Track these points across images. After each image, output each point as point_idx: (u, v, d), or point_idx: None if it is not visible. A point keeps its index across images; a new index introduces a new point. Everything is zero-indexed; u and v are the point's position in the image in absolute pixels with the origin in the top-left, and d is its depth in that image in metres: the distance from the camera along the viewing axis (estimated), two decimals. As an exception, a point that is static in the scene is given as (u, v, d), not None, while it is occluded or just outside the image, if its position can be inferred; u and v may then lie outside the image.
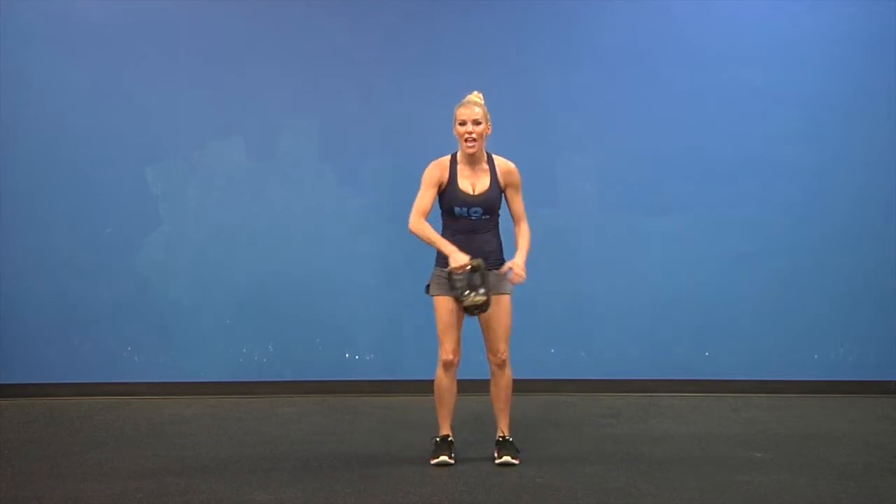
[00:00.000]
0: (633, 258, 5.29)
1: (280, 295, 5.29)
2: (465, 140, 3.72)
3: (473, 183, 3.77)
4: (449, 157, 3.83)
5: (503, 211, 3.86)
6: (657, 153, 5.27)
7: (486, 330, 3.80)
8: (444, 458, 3.77)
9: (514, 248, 3.82)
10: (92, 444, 4.19)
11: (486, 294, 3.64)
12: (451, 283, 3.69)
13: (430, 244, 3.75)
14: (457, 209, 3.76)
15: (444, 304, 3.78)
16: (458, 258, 3.62)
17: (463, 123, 3.71)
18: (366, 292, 5.29)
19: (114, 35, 5.25)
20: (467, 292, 3.64)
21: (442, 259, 3.80)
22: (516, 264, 3.74)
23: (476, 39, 5.29)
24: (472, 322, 3.84)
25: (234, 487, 3.50)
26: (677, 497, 3.36)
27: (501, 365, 3.81)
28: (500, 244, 3.84)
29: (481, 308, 3.67)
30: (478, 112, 3.71)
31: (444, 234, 3.81)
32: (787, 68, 5.24)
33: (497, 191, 3.78)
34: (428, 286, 3.84)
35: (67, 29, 5.24)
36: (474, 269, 3.64)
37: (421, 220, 3.76)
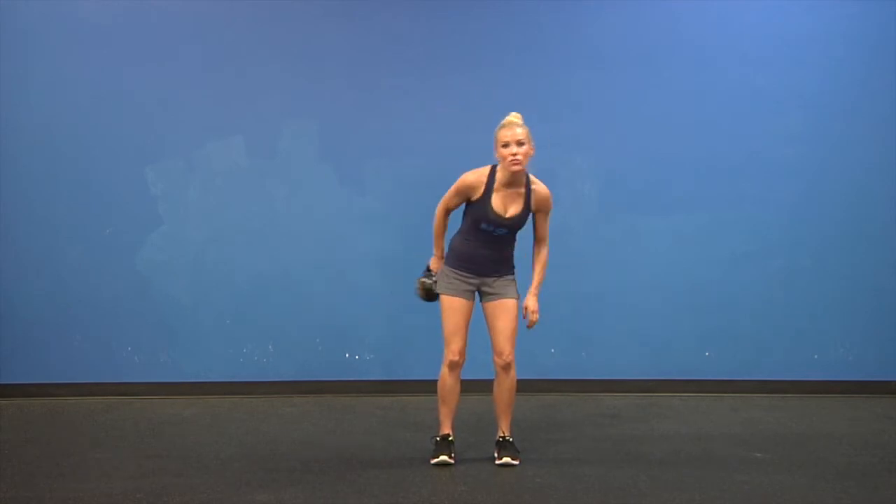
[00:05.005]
0: (633, 258, 5.29)
1: (280, 295, 5.29)
2: (511, 163, 3.64)
3: (507, 205, 3.73)
4: (489, 169, 3.75)
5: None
6: (657, 153, 5.28)
7: (492, 332, 3.82)
8: (444, 457, 3.77)
9: (531, 269, 3.88)
10: (92, 444, 4.19)
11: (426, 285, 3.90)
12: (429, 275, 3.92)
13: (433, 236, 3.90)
14: (483, 225, 3.74)
15: (452, 305, 3.79)
16: (435, 264, 3.91)
17: (506, 145, 3.64)
18: (366, 292, 5.29)
19: (114, 35, 5.25)
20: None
21: (452, 259, 3.82)
22: (530, 307, 3.83)
23: (476, 40, 5.29)
24: (477, 323, 3.85)
25: (234, 487, 3.50)
26: (677, 497, 3.37)
27: (506, 367, 3.81)
28: (512, 253, 3.86)
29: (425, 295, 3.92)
30: (520, 133, 3.64)
31: (461, 237, 3.83)
32: (787, 68, 5.24)
33: (527, 214, 3.78)
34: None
35: (67, 29, 5.24)
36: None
37: (441, 214, 3.86)
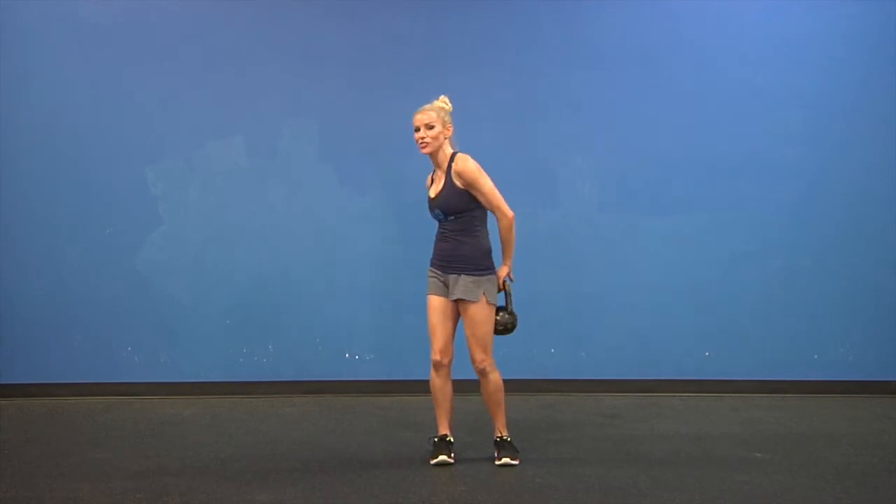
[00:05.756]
0: (633, 258, 5.29)
1: (280, 295, 5.29)
2: (420, 144, 3.76)
3: (436, 186, 3.81)
4: None
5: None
6: (657, 153, 5.27)
7: (466, 339, 3.80)
8: (443, 457, 3.78)
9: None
10: (92, 444, 4.20)
11: (506, 315, 3.84)
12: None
13: None
14: (430, 213, 3.86)
15: (431, 304, 3.83)
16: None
17: (417, 129, 3.75)
18: (366, 292, 5.30)
19: (114, 35, 5.25)
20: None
21: (431, 260, 3.86)
22: (499, 275, 3.83)
23: (476, 39, 5.29)
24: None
25: (234, 487, 3.50)
26: (677, 497, 3.37)
27: (482, 373, 3.78)
28: (476, 249, 3.74)
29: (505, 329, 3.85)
30: (432, 116, 3.73)
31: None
32: (787, 68, 5.24)
33: (452, 192, 3.71)
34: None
35: (67, 29, 5.24)
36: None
37: None
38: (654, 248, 5.28)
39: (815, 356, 5.29)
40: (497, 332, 3.81)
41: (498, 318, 3.80)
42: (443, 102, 3.81)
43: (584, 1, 5.32)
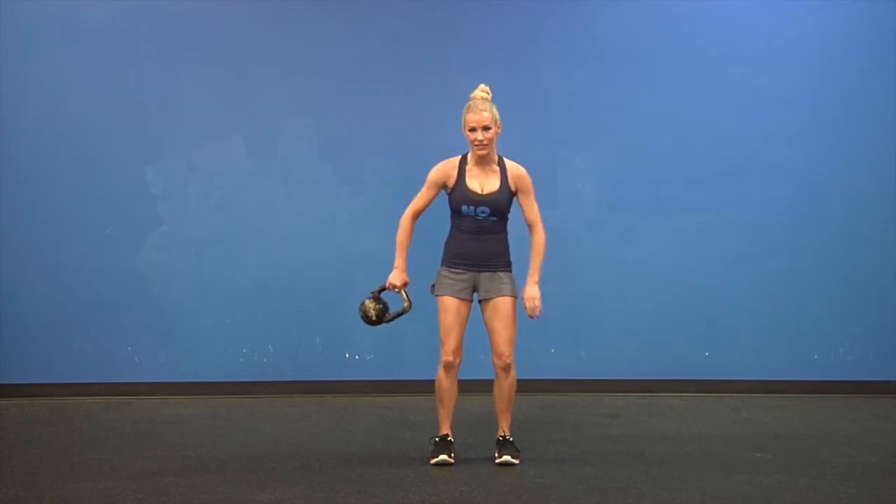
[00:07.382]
0: (632, 258, 5.29)
1: (280, 295, 5.29)
2: (477, 147, 3.73)
3: (482, 183, 3.77)
4: (460, 157, 3.84)
5: (517, 216, 3.85)
6: (657, 153, 5.28)
7: (491, 333, 3.80)
8: (443, 457, 3.78)
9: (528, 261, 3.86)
10: (92, 444, 4.19)
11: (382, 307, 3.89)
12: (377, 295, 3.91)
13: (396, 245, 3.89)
14: (464, 208, 3.76)
15: (447, 305, 3.79)
16: (396, 277, 3.87)
17: (473, 130, 3.70)
18: (366, 292, 5.26)
19: (114, 35, 5.25)
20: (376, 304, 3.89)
21: (445, 258, 3.82)
22: (527, 294, 3.79)
23: (476, 39, 5.29)
24: (475, 323, 3.84)
25: (234, 487, 3.50)
26: (677, 497, 3.37)
27: (506, 368, 3.80)
28: (507, 247, 3.83)
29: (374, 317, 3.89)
30: (487, 117, 3.69)
31: (451, 234, 3.84)
32: (787, 68, 5.24)
33: (506, 193, 3.78)
34: (433, 286, 3.86)
35: (67, 29, 5.24)
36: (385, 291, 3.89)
37: (407, 221, 3.88)
38: (654, 248, 5.29)
39: (815, 356, 5.29)
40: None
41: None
42: (485, 93, 3.78)
43: (584, 1, 5.32)
